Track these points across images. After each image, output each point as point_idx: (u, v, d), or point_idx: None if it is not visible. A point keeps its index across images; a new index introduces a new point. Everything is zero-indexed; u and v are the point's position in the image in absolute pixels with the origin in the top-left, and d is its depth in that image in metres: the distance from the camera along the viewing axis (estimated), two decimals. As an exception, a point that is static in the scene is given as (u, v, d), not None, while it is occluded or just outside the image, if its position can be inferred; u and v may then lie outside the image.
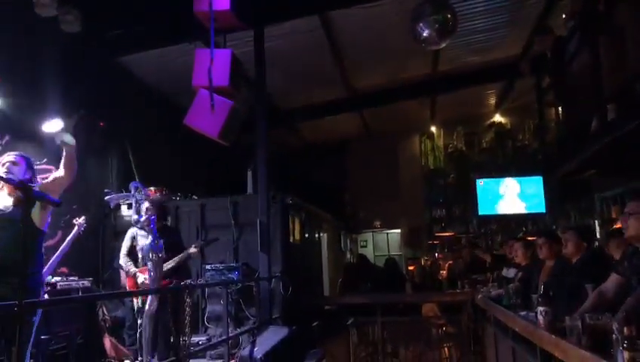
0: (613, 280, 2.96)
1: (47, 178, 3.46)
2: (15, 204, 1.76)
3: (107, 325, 5.87)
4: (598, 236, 8.69)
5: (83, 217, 5.04)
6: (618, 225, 7.15)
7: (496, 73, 9.75)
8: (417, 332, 7.34)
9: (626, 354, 1.87)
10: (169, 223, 5.69)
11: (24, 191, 1.78)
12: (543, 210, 10.17)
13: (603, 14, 4.44)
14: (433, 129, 12.74)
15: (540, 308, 3.02)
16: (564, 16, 5.70)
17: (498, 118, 12.22)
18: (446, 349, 7.48)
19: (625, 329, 1.90)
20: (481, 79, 10.00)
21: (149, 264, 4.04)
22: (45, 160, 5.74)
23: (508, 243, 6.71)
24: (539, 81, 6.79)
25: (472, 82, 10.06)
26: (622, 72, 4.20)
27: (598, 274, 3.37)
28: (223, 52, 5.10)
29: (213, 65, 4.92)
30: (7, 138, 5.24)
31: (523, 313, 4.02)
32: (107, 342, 5.76)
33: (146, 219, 4.25)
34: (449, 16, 6.02)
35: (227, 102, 4.98)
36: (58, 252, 4.83)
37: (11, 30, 5.27)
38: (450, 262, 10.38)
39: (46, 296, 3.79)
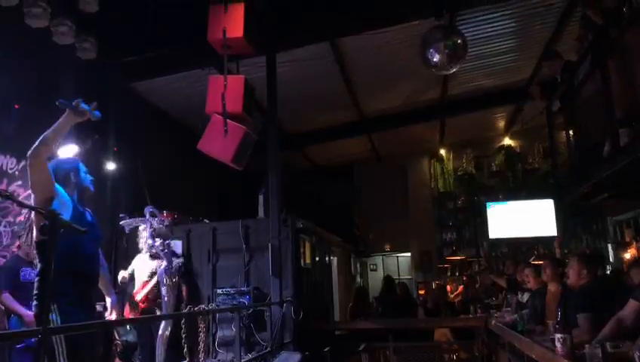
0: (631, 307, 2.94)
1: None
2: (42, 233, 1.77)
3: (118, 350, 5.86)
4: (611, 260, 8.63)
5: None
6: (633, 249, 7.11)
7: (506, 97, 9.81)
8: (430, 358, 7.24)
9: (649, 384, 1.85)
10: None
11: (51, 218, 1.81)
12: (555, 234, 10.10)
13: (613, 39, 4.47)
14: (443, 152, 12.76)
15: (558, 335, 2.99)
16: (576, 38, 5.73)
17: (508, 141, 12.21)
18: (459, 375, 7.37)
19: (648, 359, 1.88)
20: (491, 103, 10.06)
21: (164, 289, 4.05)
22: (60, 184, 5.84)
23: (519, 267, 6.67)
24: (549, 104, 6.80)
25: (481, 106, 10.12)
26: (633, 97, 4.21)
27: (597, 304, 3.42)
28: (236, 78, 5.18)
29: (226, 91, 5.01)
30: (23, 163, 5.33)
31: (539, 339, 3.97)
32: (118, 367, 5.75)
33: (161, 243, 4.28)
34: (459, 41, 6.09)
35: (240, 127, 5.05)
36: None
37: (29, 58, 5.39)
38: (461, 286, 10.31)
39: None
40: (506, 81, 9.15)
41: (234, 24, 5.01)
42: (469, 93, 9.52)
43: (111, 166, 6.60)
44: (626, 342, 2.51)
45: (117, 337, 5.79)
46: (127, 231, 5.42)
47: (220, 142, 5.01)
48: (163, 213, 5.92)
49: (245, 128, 5.02)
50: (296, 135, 10.13)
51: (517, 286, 6.32)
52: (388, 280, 9.76)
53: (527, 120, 10.13)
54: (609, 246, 8.95)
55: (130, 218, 5.53)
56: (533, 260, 9.34)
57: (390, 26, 6.57)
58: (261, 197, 7.23)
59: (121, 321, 5.80)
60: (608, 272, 7.42)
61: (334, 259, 10.03)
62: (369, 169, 13.06)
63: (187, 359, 4.07)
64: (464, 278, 11.03)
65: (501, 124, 11.76)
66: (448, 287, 11.31)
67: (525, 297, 5.77)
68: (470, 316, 7.34)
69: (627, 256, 7.90)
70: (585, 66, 5.12)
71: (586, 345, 2.66)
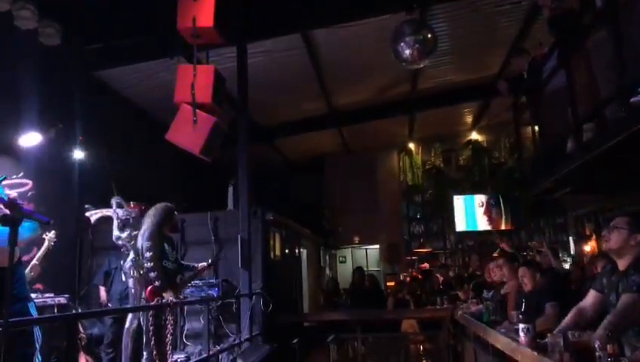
0: (591, 297, 3.03)
1: None
2: (2, 224, 1.72)
3: (82, 343, 5.74)
4: (572, 253, 8.90)
5: (53, 231, 4.92)
6: (593, 242, 7.35)
7: (474, 92, 9.95)
8: (397, 349, 7.35)
9: (609, 372, 1.92)
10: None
11: (13, 209, 1.75)
12: (519, 227, 10.37)
13: (577, 39, 4.58)
14: (411, 146, 12.90)
15: (522, 325, 3.07)
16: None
17: (475, 135, 12.43)
18: (425, 365, 7.50)
19: (608, 347, 1.95)
20: (459, 98, 10.20)
21: (130, 281, 3.97)
22: (22, 173, 5.66)
23: (482, 262, 6.81)
24: (516, 100, 6.95)
25: (450, 101, 10.25)
26: (594, 96, 4.33)
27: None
28: (205, 68, 5.10)
29: (195, 81, 4.93)
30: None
31: (503, 329, 4.06)
32: (82, 360, 5.62)
33: (128, 235, 4.19)
34: (429, 36, 6.15)
35: (210, 118, 4.98)
36: (29, 268, 4.70)
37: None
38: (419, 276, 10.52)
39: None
40: (475, 76, 9.29)
41: (204, 13, 4.91)
42: (438, 88, 9.63)
43: (76, 155, 6.43)
44: (587, 332, 2.59)
45: (81, 330, 5.67)
46: (92, 222, 5.29)
47: (188, 133, 4.93)
48: (130, 204, 5.80)
49: (215, 118, 4.96)
50: (267, 127, 10.06)
51: (482, 286, 6.41)
52: (359, 271, 9.84)
53: (494, 115, 10.32)
54: (570, 239, 9.23)
55: (95, 209, 5.40)
56: (497, 253, 9.55)
57: (361, 19, 6.58)
58: (231, 189, 7.17)
59: (87, 313, 5.71)
60: (568, 266, 7.64)
61: (304, 252, 10.06)
62: (339, 162, 13.10)
63: (154, 352, 4.02)
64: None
65: (469, 119, 11.95)
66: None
67: (490, 293, 5.84)
68: (437, 307, 7.46)
69: (587, 248, 8.17)
70: (550, 63, 5.23)
71: (548, 334, 2.74)
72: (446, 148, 12.73)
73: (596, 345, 2.09)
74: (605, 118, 4.10)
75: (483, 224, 10.54)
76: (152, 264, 4.10)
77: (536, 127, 6.13)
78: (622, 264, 2.82)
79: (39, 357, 2.63)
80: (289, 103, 9.29)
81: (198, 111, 4.88)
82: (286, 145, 11.65)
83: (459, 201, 10.72)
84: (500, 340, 3.86)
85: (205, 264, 5.04)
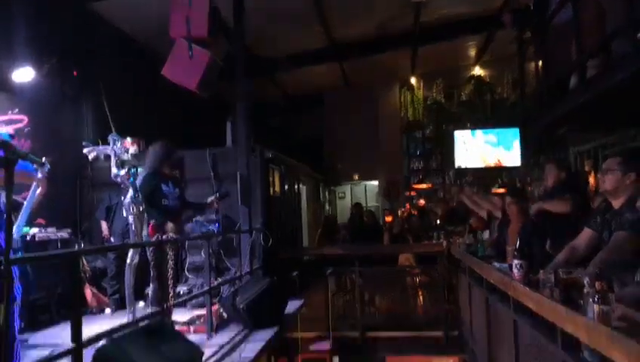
0: (585, 234, 3.07)
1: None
2: None
3: (87, 275, 5.91)
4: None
5: (44, 158, 4.88)
6: (591, 179, 7.36)
7: (478, 25, 9.67)
8: (393, 281, 7.56)
9: (596, 308, 1.97)
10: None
11: (6, 149, 1.73)
12: (519, 163, 10.35)
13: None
14: (413, 81, 12.70)
15: (516, 261, 3.12)
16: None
17: (478, 70, 12.21)
18: (420, 297, 7.73)
19: (596, 284, 1.99)
20: (463, 31, 9.92)
21: (130, 218, 4.02)
22: (17, 109, 5.59)
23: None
24: (520, 34, 6.75)
25: (453, 34, 9.98)
26: (601, 30, 4.21)
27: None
28: (200, -1, 4.93)
29: (190, 13, 4.78)
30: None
31: (497, 264, 4.15)
32: (88, 291, 5.81)
33: (126, 172, 4.20)
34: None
35: (205, 53, 4.88)
36: (29, 196, 4.69)
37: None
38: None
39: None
40: (479, 8, 8.99)
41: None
42: (441, 20, 9.34)
43: (71, 91, 6.33)
44: (578, 269, 2.65)
45: (85, 263, 5.82)
46: (90, 159, 5.27)
47: (184, 69, 4.85)
48: (128, 141, 5.76)
49: (211, 54, 4.86)
50: (266, 60, 9.81)
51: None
52: (357, 207, 9.95)
53: (496, 49, 10.08)
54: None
55: (93, 146, 5.36)
56: (495, 189, 9.63)
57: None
58: (229, 125, 7.11)
59: (89, 250, 5.83)
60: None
61: (303, 188, 10.13)
62: (339, 98, 12.95)
63: (156, 284, 4.14)
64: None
65: (472, 53, 11.68)
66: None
67: (486, 234, 5.87)
68: (433, 242, 7.59)
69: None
70: (557, -4, 5.04)
71: (540, 271, 2.80)
72: (448, 83, 12.53)
73: (585, 282, 2.13)
74: (610, 54, 4.00)
75: (483, 160, 10.51)
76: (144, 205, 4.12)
77: (540, 63, 5.99)
78: (616, 203, 2.84)
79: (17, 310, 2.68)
80: (288, 34, 9.02)
81: (193, 46, 4.78)
82: (286, 81, 11.46)
83: (460, 137, 10.64)
84: (493, 275, 3.96)
85: (213, 198, 5.05)
